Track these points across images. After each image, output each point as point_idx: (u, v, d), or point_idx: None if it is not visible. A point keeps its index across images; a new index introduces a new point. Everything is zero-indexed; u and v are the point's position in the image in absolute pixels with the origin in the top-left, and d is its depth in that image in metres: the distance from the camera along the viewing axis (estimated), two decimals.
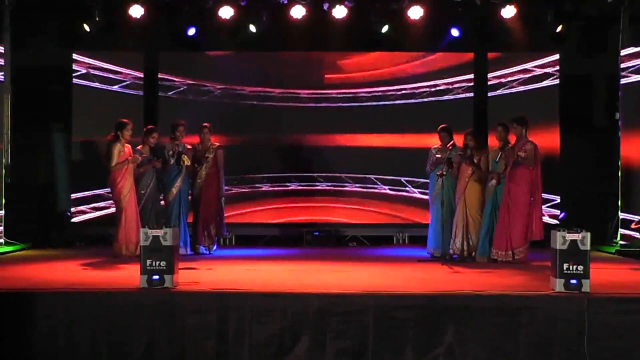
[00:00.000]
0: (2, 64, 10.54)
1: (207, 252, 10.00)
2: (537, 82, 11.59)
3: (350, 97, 11.80)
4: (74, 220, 11.48)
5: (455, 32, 11.22)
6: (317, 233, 11.48)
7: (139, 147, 9.63)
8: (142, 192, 9.54)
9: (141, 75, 11.66)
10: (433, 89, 11.73)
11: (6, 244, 10.30)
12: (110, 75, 11.63)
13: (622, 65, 10.53)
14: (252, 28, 11.10)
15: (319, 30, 11.20)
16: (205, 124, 10.10)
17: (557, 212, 11.42)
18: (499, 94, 11.65)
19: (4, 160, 10.58)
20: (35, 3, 10.83)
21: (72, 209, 11.46)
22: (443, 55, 11.73)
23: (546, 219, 10.70)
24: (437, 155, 9.59)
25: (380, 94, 11.78)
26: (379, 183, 11.77)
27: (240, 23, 11.04)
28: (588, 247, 6.53)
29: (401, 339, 6.30)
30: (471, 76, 11.73)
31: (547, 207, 11.14)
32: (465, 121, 10.89)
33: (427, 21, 10.90)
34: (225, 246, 11.00)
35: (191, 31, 11.22)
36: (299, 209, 11.86)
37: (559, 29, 10.97)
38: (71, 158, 11.55)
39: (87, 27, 10.89)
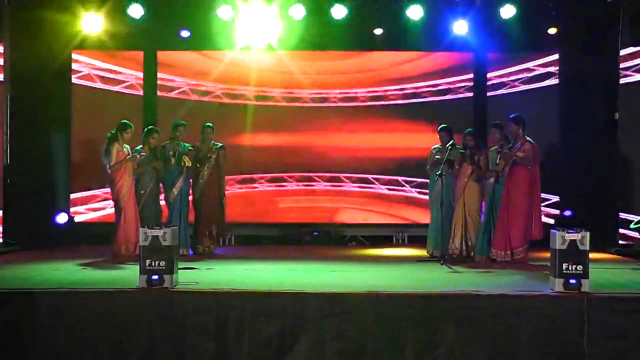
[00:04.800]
0: (2, 64, 10.53)
1: (208, 252, 9.98)
2: (536, 82, 11.60)
3: (351, 97, 11.81)
4: (74, 220, 11.48)
5: (458, 28, 11.08)
6: (316, 233, 11.48)
7: (138, 147, 9.63)
8: (142, 192, 9.54)
9: (141, 75, 11.68)
10: (433, 89, 11.74)
11: (6, 244, 10.29)
12: (110, 75, 11.64)
13: (622, 65, 10.54)
14: (252, 27, 11.10)
15: (319, 30, 11.21)
16: (208, 123, 10.08)
17: (557, 211, 11.42)
18: (499, 94, 11.66)
19: (3, 161, 10.57)
20: (35, 3, 10.82)
21: (72, 209, 11.47)
22: (443, 55, 11.74)
23: (546, 218, 10.70)
24: (437, 156, 9.60)
25: (380, 94, 11.79)
26: (377, 183, 11.78)
27: (239, 23, 11.03)
28: (587, 247, 6.53)
29: (401, 339, 6.30)
30: (471, 76, 11.73)
31: (546, 206, 11.15)
32: (465, 121, 10.89)
33: (427, 21, 10.90)
34: (225, 246, 11.00)
35: (184, 33, 11.27)
36: (298, 208, 11.87)
37: (555, 30, 10.99)
38: (71, 158, 11.56)
39: (87, 27, 10.90)
